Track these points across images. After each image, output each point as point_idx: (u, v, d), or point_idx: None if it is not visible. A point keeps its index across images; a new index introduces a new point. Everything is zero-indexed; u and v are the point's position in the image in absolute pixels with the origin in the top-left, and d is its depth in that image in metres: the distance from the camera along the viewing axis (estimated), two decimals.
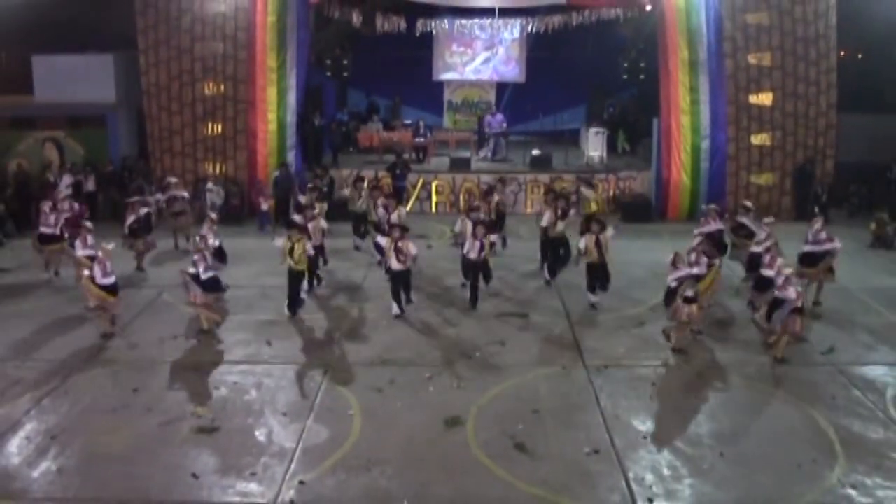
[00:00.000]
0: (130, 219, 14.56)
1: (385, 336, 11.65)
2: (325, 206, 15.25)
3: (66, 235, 14.00)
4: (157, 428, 8.91)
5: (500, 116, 21.91)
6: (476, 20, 21.31)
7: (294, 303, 12.35)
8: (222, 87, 18.77)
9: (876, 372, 10.39)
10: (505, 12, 20.55)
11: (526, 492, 7.72)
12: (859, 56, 22.63)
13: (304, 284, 12.63)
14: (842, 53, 19.63)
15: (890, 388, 9.87)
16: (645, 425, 9.01)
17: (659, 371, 10.47)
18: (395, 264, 12.14)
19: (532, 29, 20.63)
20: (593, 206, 15.33)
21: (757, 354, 10.92)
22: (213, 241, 12.86)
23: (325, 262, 14.54)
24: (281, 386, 9.98)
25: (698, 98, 18.31)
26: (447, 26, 21.18)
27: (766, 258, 11.56)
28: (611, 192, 19.59)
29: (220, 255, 13.09)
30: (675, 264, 11.18)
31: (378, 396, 9.68)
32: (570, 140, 22.31)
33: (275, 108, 18.74)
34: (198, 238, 12.95)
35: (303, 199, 15.37)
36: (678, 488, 7.79)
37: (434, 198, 19.83)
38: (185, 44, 18.65)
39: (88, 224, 13.23)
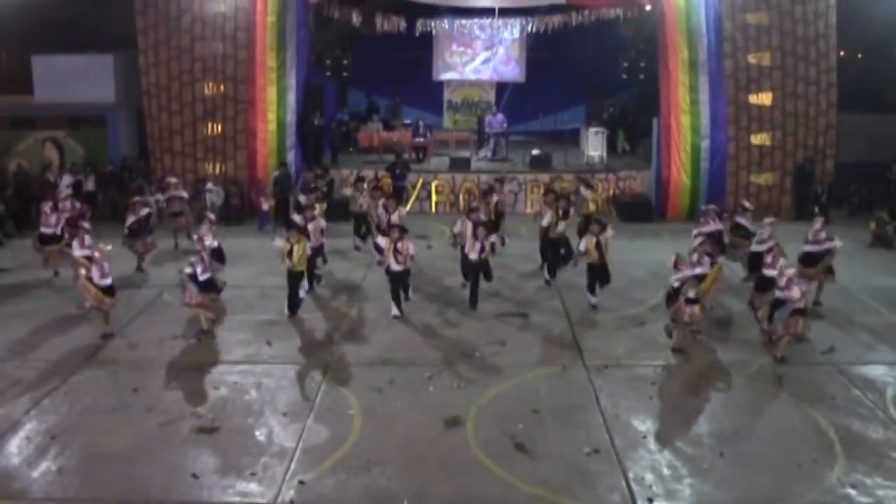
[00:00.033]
0: (130, 219, 14.55)
1: (385, 336, 11.64)
2: (325, 206, 15.25)
3: (67, 235, 13.99)
4: (157, 428, 8.91)
5: (500, 116, 21.87)
6: (476, 20, 21.33)
7: (294, 303, 12.36)
8: (222, 87, 18.78)
9: (876, 372, 10.39)
10: (505, 12, 20.57)
11: (526, 492, 7.71)
12: (859, 56, 22.63)
13: (304, 283, 12.63)
14: (842, 53, 19.63)
15: (890, 388, 9.87)
16: (645, 425, 9.01)
17: (659, 371, 10.47)
18: (394, 265, 12.14)
19: (532, 29, 20.66)
20: (591, 207, 15.34)
21: (757, 354, 10.91)
22: (210, 242, 12.84)
23: (325, 262, 14.56)
24: (281, 386, 9.98)
25: (698, 98, 18.31)
26: (447, 26, 21.19)
27: (769, 258, 11.54)
28: (611, 192, 19.59)
29: (218, 255, 13.07)
30: (677, 266, 11.16)
31: (378, 396, 9.68)
32: (570, 140, 22.28)
33: (274, 107, 18.74)
34: (195, 238, 12.93)
35: (303, 199, 15.37)
36: (678, 488, 7.78)
37: (434, 198, 19.82)
38: (185, 44, 18.66)
39: (86, 224, 13.24)
